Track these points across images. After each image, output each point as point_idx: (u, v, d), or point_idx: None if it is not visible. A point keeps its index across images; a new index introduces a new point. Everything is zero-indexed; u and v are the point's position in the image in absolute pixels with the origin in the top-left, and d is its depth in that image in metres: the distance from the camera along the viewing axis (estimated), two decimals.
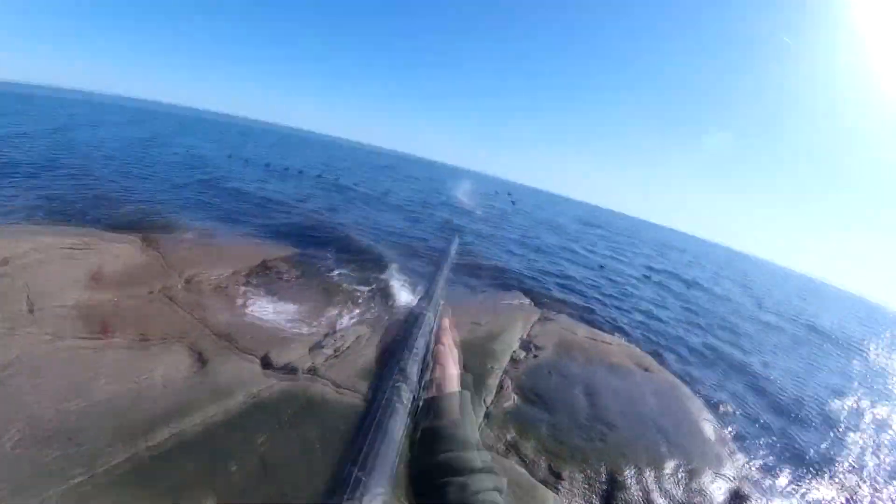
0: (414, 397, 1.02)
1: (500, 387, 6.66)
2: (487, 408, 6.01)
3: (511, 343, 8.33)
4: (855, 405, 15.53)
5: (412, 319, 1.24)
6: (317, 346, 6.62)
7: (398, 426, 0.88)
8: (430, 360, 1.19)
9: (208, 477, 3.74)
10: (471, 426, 1.10)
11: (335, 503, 0.69)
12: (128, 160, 23.21)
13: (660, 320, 17.43)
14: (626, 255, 37.23)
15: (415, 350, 1.12)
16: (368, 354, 6.55)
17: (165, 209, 13.85)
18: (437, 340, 1.28)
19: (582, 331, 10.25)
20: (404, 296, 10.17)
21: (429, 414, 1.09)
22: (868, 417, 15.55)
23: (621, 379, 8.25)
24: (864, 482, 10.51)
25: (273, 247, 11.61)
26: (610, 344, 9.88)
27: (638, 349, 10.25)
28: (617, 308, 16.92)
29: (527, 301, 12.13)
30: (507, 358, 7.66)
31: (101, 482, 3.54)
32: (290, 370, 5.74)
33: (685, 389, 9.14)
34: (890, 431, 14.77)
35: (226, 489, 3.66)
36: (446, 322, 1.36)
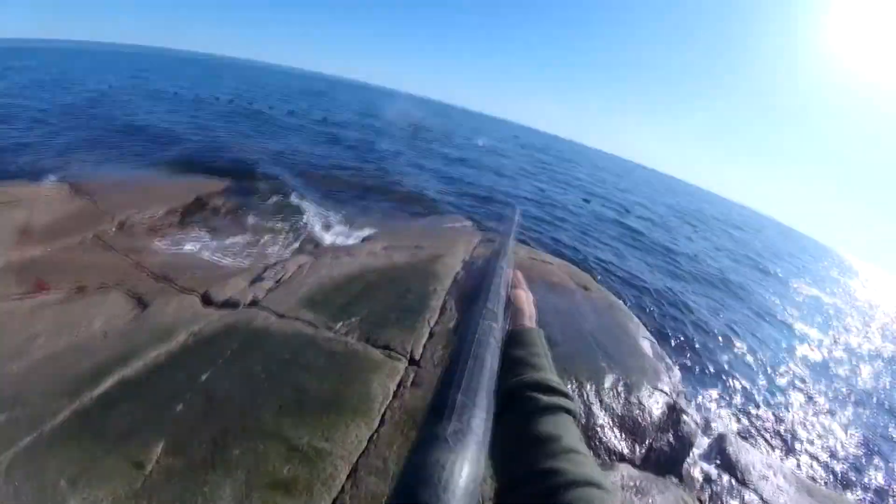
0: (502, 332, 1.13)
1: (444, 307, 6.75)
2: (431, 327, 6.10)
3: (454, 265, 8.36)
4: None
5: (490, 270, 1.40)
6: (257, 279, 6.58)
7: (491, 357, 0.98)
8: (511, 303, 1.35)
9: (156, 419, 3.74)
10: (546, 356, 1.25)
11: (443, 425, 0.74)
12: (38, 104, 21.92)
13: (597, 243, 17.93)
14: (567, 179, 37.83)
15: (499, 293, 1.25)
16: (310, 283, 6.59)
17: (79, 155, 13.26)
18: (515, 287, 1.47)
19: (523, 251, 10.42)
20: (335, 222, 10.15)
21: (511, 344, 1.23)
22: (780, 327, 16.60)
23: (561, 297, 8.44)
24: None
25: (205, 182, 11.31)
26: (550, 264, 10.08)
27: (577, 268, 10.49)
28: (558, 230, 17.31)
29: (468, 223, 12.24)
30: (451, 280, 7.71)
31: (51, 440, 3.52)
32: (231, 304, 5.71)
33: (623, 308, 9.45)
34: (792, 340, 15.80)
35: (174, 429, 3.70)
36: (520, 274, 1.58)
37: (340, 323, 5.56)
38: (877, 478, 10.37)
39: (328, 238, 9.33)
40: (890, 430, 13.15)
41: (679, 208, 53.48)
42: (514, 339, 1.25)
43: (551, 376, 1.14)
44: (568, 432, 0.99)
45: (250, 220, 9.38)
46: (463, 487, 0.67)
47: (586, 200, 29.58)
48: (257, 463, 3.48)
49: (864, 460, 10.85)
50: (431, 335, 5.94)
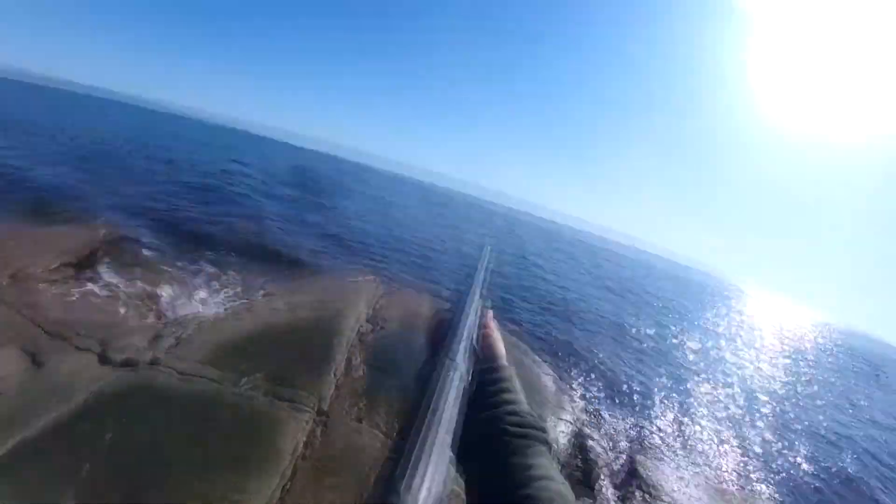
0: (462, 377, 1.11)
1: (349, 360, 6.88)
2: (337, 380, 6.21)
3: (358, 317, 8.54)
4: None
5: (456, 313, 1.34)
6: (157, 336, 6.43)
7: (451, 406, 0.98)
8: (478, 346, 1.32)
9: (65, 482, 3.65)
10: (519, 391, 1.26)
11: (396, 482, 0.72)
12: None
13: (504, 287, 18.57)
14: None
15: (463, 337, 1.22)
16: (213, 340, 6.54)
17: None
18: (485, 327, 1.44)
19: (426, 300, 10.71)
20: (235, 280, 10.04)
21: (485, 381, 1.25)
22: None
23: None
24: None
25: (102, 229, 10.96)
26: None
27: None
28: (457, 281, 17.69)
29: (371, 277, 12.39)
30: (355, 333, 7.87)
31: None
32: (130, 363, 5.54)
33: (523, 347, 9.93)
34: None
35: (83, 491, 3.62)
36: (490, 313, 1.50)
37: (245, 379, 5.57)
38: (781, 474, 11.12)
39: (229, 296, 9.22)
40: (788, 432, 14.13)
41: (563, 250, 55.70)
42: (488, 376, 1.28)
43: (524, 408, 1.18)
44: (539, 461, 1.05)
45: (148, 273, 9.15)
46: None
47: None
48: None
49: (767, 460, 11.61)
50: (338, 387, 6.07)
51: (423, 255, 21.02)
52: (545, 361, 10.60)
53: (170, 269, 9.73)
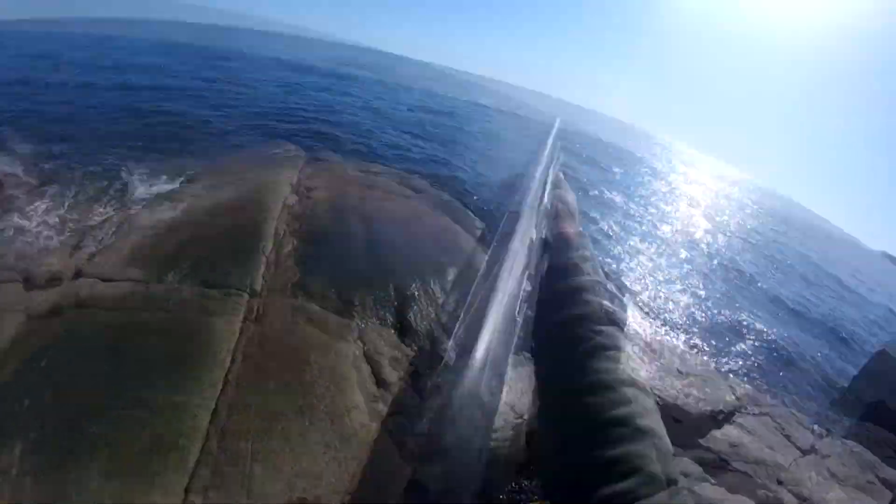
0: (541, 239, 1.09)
1: (277, 233, 6.87)
2: (267, 257, 6.21)
3: (282, 191, 8.44)
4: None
5: (519, 183, 1.31)
6: (77, 247, 6.26)
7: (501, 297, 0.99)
8: (550, 208, 1.33)
9: (6, 421, 3.68)
10: (594, 259, 1.26)
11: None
12: None
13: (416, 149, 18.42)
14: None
15: (542, 202, 1.21)
16: (133, 239, 6.40)
17: None
18: (557, 187, 1.45)
19: (351, 166, 10.56)
20: (154, 170, 9.67)
21: (559, 250, 1.25)
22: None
23: (396, 204, 8.79)
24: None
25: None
26: (379, 173, 10.33)
27: (407, 174, 10.80)
28: (375, 141, 17.49)
29: (292, 147, 12.09)
30: (280, 206, 7.77)
31: None
32: (55, 280, 5.44)
33: (457, 204, 9.97)
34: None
35: (27, 426, 3.62)
36: (560, 175, 1.46)
37: (171, 273, 5.54)
38: (709, 328, 11.97)
39: (147, 188, 8.92)
40: (708, 285, 15.07)
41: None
42: (561, 244, 1.27)
43: (602, 300, 1.15)
44: (622, 376, 1.06)
45: (59, 187, 8.76)
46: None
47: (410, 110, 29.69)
48: (118, 435, 3.56)
49: (689, 309, 12.47)
50: (269, 264, 6.08)
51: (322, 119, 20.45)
52: (469, 207, 10.69)
53: (88, 175, 9.31)
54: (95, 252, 6.13)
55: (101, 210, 7.95)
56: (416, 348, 5.53)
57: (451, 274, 6.95)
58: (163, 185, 8.94)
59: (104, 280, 5.42)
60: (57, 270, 5.67)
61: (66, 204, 8.19)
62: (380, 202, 8.78)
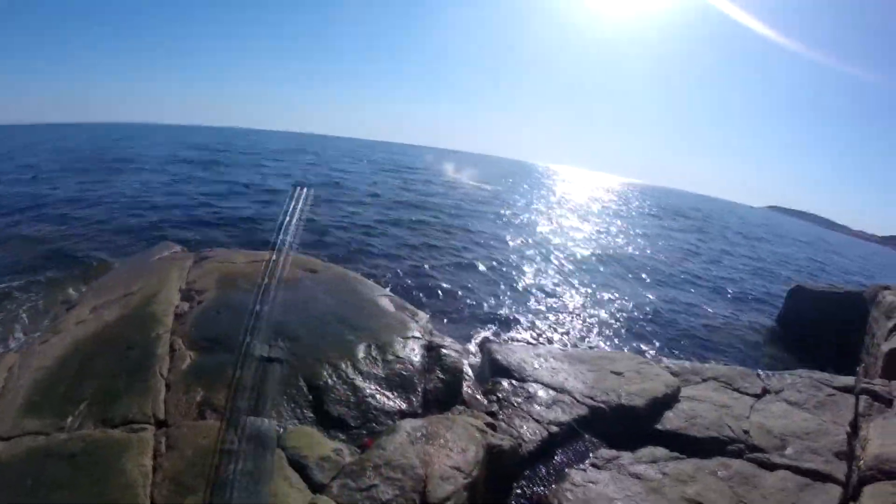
0: None
1: (172, 349, 6.71)
2: (166, 378, 6.05)
3: (171, 299, 8.26)
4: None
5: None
6: None
7: None
8: None
9: None
10: None
11: None
12: None
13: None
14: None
15: None
16: (25, 384, 6.05)
17: None
18: None
19: (241, 257, 10.44)
20: (37, 298, 9.31)
21: None
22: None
23: (292, 290, 8.76)
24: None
25: None
26: (271, 260, 10.25)
27: (301, 255, 10.82)
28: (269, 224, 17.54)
29: (178, 248, 11.85)
30: (171, 316, 7.63)
31: None
32: None
33: (353, 275, 10.13)
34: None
35: None
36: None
37: (70, 417, 5.32)
38: (624, 322, 12.60)
39: (29, 322, 8.55)
40: (617, 287, 15.88)
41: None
42: None
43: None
44: None
45: None
46: None
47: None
48: None
49: (606, 315, 13.10)
50: (168, 386, 5.93)
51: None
52: (370, 277, 10.93)
53: None
54: None
55: None
56: (343, 437, 5.54)
57: (361, 350, 7.04)
58: (51, 314, 8.63)
59: (3, 439, 5.13)
60: None
61: None
62: (274, 291, 8.71)
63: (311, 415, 5.84)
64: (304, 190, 9.50)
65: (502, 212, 31.51)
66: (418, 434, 5.48)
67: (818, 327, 14.18)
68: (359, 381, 6.45)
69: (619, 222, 37.60)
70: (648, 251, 25.24)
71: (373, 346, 7.19)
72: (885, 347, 10.36)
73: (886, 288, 13.48)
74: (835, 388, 8.10)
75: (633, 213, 47.92)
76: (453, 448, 5.35)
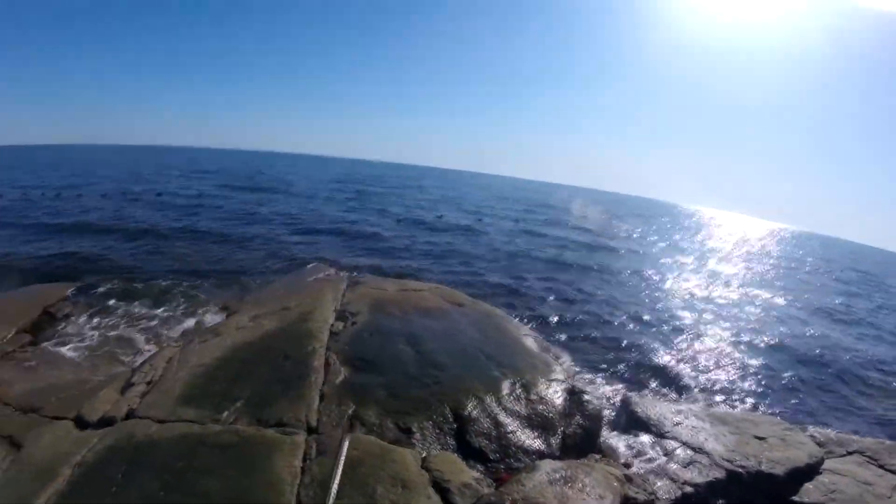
0: None
1: (327, 363, 6.79)
2: (320, 390, 6.10)
3: (326, 317, 8.44)
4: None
5: None
6: (128, 385, 6.23)
7: None
8: None
9: None
10: None
11: None
12: None
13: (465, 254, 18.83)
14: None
15: None
16: (183, 376, 6.36)
17: None
18: None
19: (391, 285, 10.62)
20: (198, 302, 9.84)
21: None
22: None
23: (439, 320, 8.77)
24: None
25: (48, 289, 10.60)
26: (421, 290, 10.37)
27: (447, 288, 10.87)
28: (418, 256, 17.92)
29: (332, 270, 12.28)
30: (327, 333, 7.76)
31: None
32: (107, 422, 5.37)
33: (500, 312, 9.98)
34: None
35: None
36: None
37: (225, 412, 5.45)
38: (772, 387, 11.57)
39: (192, 322, 9.06)
40: (768, 345, 14.69)
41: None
42: None
43: None
44: None
45: (106, 321, 8.95)
46: None
47: (439, 216, 30.76)
48: None
49: (755, 377, 12.08)
50: (322, 397, 5.99)
51: None
52: (516, 315, 10.74)
53: (133, 310, 9.51)
54: (147, 390, 6.09)
55: (149, 342, 8.05)
56: (481, 469, 5.36)
57: (506, 387, 6.81)
58: (209, 317, 9.08)
59: (158, 421, 5.34)
60: (109, 409, 5.62)
61: (113, 335, 8.31)
62: (424, 319, 8.76)
63: (453, 442, 5.63)
64: None
65: (650, 257, 30.29)
66: (557, 475, 5.16)
67: None
68: (501, 417, 6.20)
69: (774, 272, 34.64)
70: (806, 309, 22.93)
71: (517, 384, 6.93)
72: None
73: None
74: None
75: (791, 264, 44.08)
76: (591, 494, 4.97)
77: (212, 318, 9.43)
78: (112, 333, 8.47)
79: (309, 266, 12.70)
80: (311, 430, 5.28)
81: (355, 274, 11.65)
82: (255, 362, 6.72)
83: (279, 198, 34.16)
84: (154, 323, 9.00)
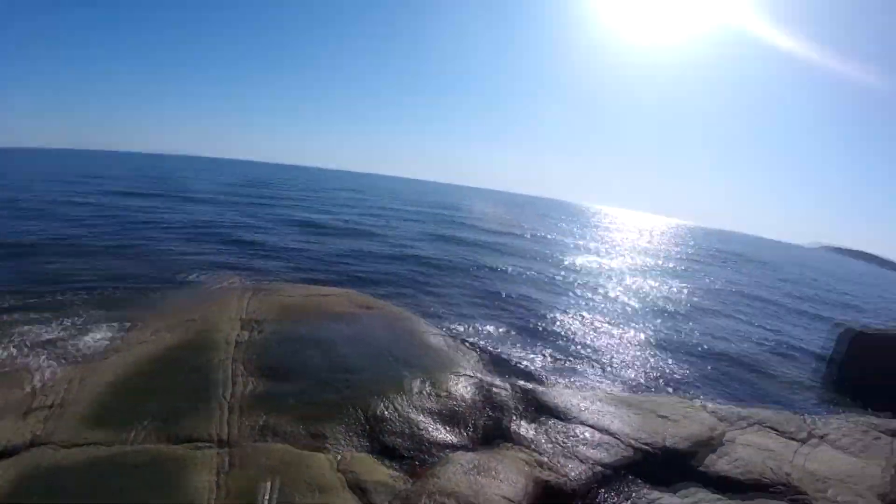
0: None
1: (235, 375, 6.81)
2: (229, 402, 6.13)
3: (232, 327, 8.42)
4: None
5: None
6: (28, 411, 5.99)
7: None
8: None
9: None
10: None
11: None
12: None
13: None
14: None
15: None
16: (87, 397, 6.21)
17: None
18: None
19: (298, 291, 10.65)
20: (94, 319, 9.51)
21: None
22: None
23: (348, 325, 8.95)
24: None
25: None
26: (329, 295, 10.47)
27: (355, 292, 10.99)
28: (325, 261, 17.97)
29: (236, 279, 12.13)
30: (233, 344, 7.75)
31: None
32: (10, 452, 5.15)
33: (408, 314, 10.27)
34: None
35: None
36: None
37: (134, 431, 5.41)
38: (672, 369, 12.32)
39: (93, 338, 8.74)
40: (664, 330, 15.60)
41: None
42: None
43: None
44: None
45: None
46: None
47: (346, 220, 31.03)
48: None
49: (653, 359, 12.84)
50: (232, 409, 6.01)
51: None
52: (421, 315, 11.02)
53: (27, 329, 9.03)
54: (50, 414, 5.90)
55: (48, 361, 7.74)
56: (396, 466, 5.55)
57: (416, 385, 7.11)
58: (110, 333, 8.81)
59: (64, 447, 5.20)
60: (12, 439, 5.38)
61: (6, 356, 7.93)
62: (333, 324, 8.86)
63: (367, 443, 5.87)
64: None
65: (551, 253, 31.40)
66: (470, 465, 5.49)
67: (873, 371, 13.57)
68: (413, 415, 6.49)
69: (668, 263, 36.98)
70: (698, 293, 24.65)
71: (426, 382, 7.26)
72: None
73: None
74: (881, 432, 7.85)
75: (683, 255, 47.16)
76: (504, 480, 5.30)
77: (113, 333, 9.13)
78: (4, 354, 8.08)
79: (212, 276, 12.48)
80: (222, 444, 5.34)
81: (261, 281, 11.54)
82: (161, 377, 6.67)
83: (178, 204, 32.99)
84: (52, 340, 8.59)
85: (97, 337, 8.85)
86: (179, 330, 8.30)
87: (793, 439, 7.66)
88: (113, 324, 9.47)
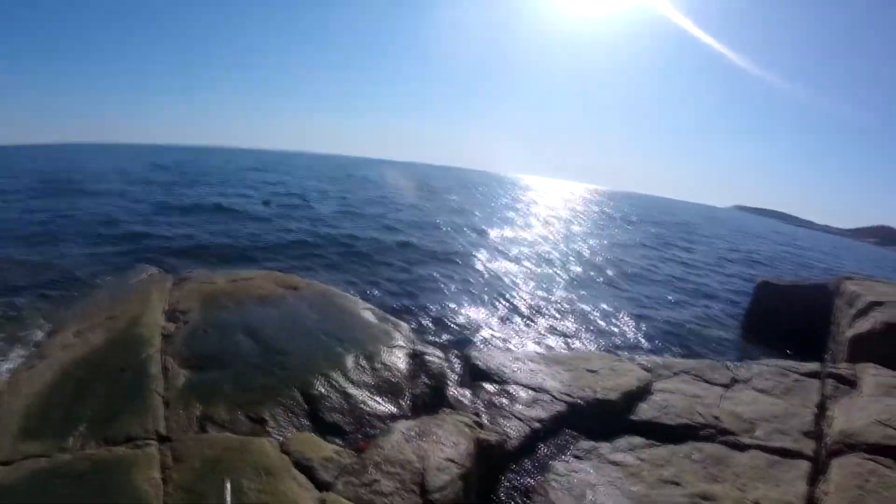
0: None
1: (165, 369, 6.86)
2: (163, 396, 6.20)
3: (156, 320, 8.39)
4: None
5: None
6: None
7: None
8: None
9: None
10: None
11: None
12: None
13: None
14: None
15: None
16: (17, 409, 6.04)
17: None
18: None
19: (221, 277, 10.60)
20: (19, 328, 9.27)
21: None
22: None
23: (276, 306, 9.05)
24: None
25: None
26: (252, 279, 10.45)
27: (280, 273, 11.05)
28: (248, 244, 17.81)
29: (155, 270, 11.95)
30: (159, 337, 7.76)
31: None
32: None
33: (336, 291, 10.41)
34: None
35: None
36: None
37: (71, 439, 5.40)
38: (597, 324, 12.99)
39: (13, 346, 8.52)
40: (588, 291, 16.31)
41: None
42: None
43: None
44: None
45: None
46: None
47: (266, 203, 30.35)
48: None
49: (580, 318, 13.49)
50: (167, 403, 6.10)
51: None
52: (351, 291, 11.22)
53: None
54: None
55: None
56: (339, 442, 5.82)
57: (350, 361, 7.34)
58: (33, 339, 8.63)
59: (2, 464, 5.12)
60: None
61: None
62: (260, 308, 8.93)
63: (308, 423, 6.08)
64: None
65: (473, 223, 31.91)
66: (412, 433, 5.76)
67: (785, 320, 14.60)
68: (350, 389, 6.73)
69: (587, 227, 38.47)
70: (618, 254, 25.86)
71: (360, 356, 7.50)
72: (849, 334, 10.90)
73: (849, 278, 14.05)
74: (801, 374, 8.49)
75: (602, 219, 49.03)
76: (446, 443, 5.61)
77: (36, 338, 8.96)
78: None
79: (128, 270, 12.21)
80: (162, 440, 5.45)
81: (183, 271, 11.40)
82: (91, 380, 6.60)
83: (87, 195, 31.40)
84: None
85: (20, 344, 8.68)
86: (103, 329, 8.14)
87: (718, 384, 8.27)
88: (37, 329, 9.29)
